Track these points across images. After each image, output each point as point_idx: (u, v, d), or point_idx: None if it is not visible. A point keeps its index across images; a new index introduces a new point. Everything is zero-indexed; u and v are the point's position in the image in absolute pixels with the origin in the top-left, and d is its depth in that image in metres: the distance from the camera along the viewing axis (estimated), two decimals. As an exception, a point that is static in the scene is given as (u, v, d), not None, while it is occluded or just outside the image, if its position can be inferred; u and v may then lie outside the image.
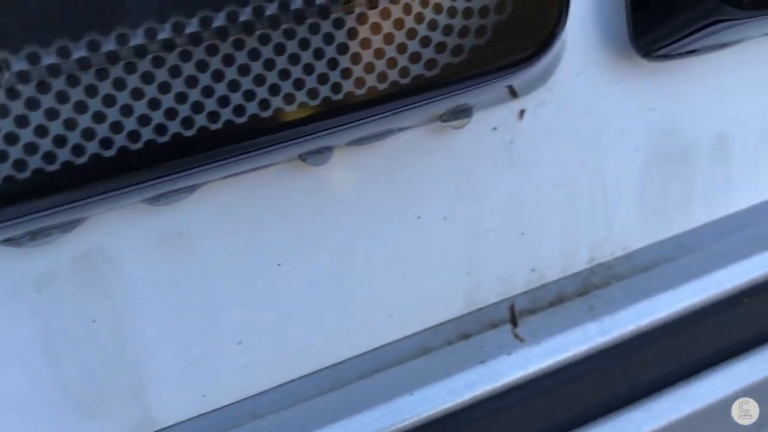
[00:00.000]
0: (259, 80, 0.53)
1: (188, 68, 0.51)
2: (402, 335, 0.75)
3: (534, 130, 0.73)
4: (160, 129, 0.51)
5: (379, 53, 0.56)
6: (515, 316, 0.78)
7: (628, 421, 0.76)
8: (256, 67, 0.52)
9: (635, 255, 0.83)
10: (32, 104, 0.47)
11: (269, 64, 0.52)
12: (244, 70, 0.52)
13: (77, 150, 0.49)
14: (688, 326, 0.82)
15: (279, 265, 0.67)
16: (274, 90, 0.53)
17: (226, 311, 0.67)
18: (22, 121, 0.47)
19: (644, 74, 0.76)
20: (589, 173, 0.77)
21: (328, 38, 0.54)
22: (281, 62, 0.53)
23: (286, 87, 0.54)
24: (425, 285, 0.75)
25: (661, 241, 0.84)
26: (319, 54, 0.54)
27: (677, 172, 0.82)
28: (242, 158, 0.56)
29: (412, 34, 0.56)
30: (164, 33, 0.49)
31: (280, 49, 0.53)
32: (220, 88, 0.52)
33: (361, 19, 0.54)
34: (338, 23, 0.54)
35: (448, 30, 0.57)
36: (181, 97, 0.51)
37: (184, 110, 0.51)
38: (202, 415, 0.68)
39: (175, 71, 0.50)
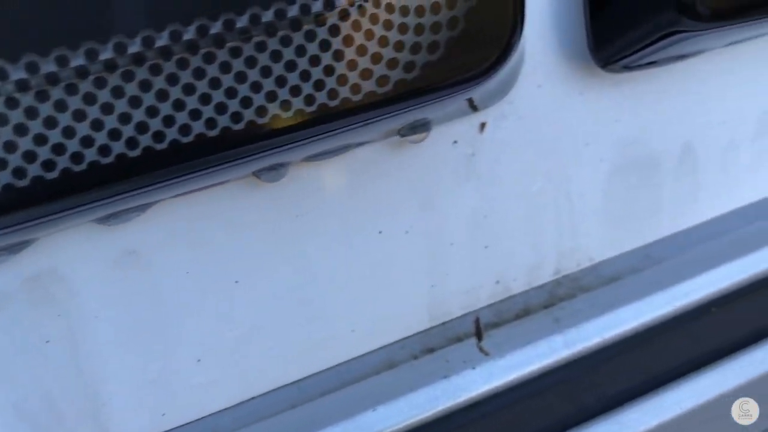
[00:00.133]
0: (205, 99, 0.52)
1: (131, 88, 0.50)
2: (365, 350, 0.74)
3: (495, 143, 0.73)
4: (104, 150, 0.51)
5: (328, 70, 0.55)
6: (480, 330, 0.78)
7: (596, 434, 0.75)
8: (202, 86, 0.52)
9: (601, 266, 0.83)
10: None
11: (215, 83, 0.52)
12: (189, 89, 0.51)
13: (19, 172, 0.49)
14: (656, 337, 0.81)
15: (236, 282, 0.67)
16: (221, 109, 0.53)
17: (184, 329, 0.66)
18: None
19: (607, 85, 0.76)
20: (553, 185, 0.77)
21: (276, 56, 0.53)
22: (227, 81, 0.52)
23: (233, 105, 0.53)
24: (388, 299, 0.74)
25: (628, 252, 0.84)
26: (266, 72, 0.53)
27: (643, 183, 0.82)
28: (191, 177, 0.55)
29: (362, 50, 0.56)
30: (105, 53, 0.48)
31: (226, 67, 0.52)
32: (165, 108, 0.51)
33: (310, 36, 0.54)
34: (285, 41, 0.53)
35: (399, 46, 0.57)
36: (124, 118, 0.50)
37: (128, 131, 0.51)
38: (161, 434, 0.68)
39: (118, 92, 0.50)
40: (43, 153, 0.49)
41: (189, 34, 0.51)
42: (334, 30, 0.54)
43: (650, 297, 0.82)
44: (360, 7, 0.55)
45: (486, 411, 0.73)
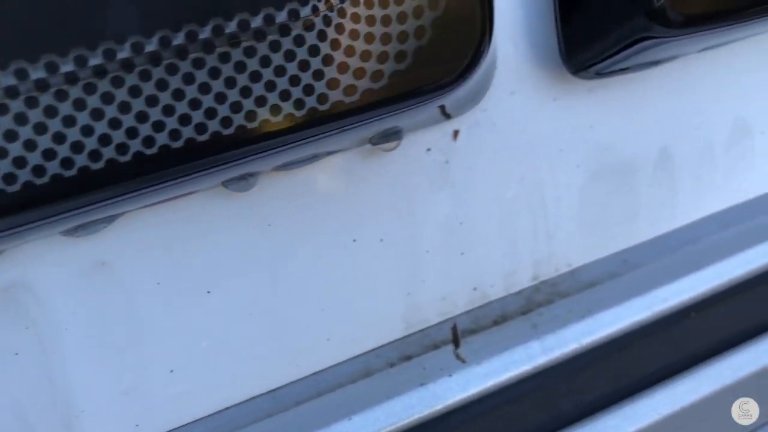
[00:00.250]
0: (168, 110, 0.52)
1: (93, 101, 0.50)
2: (341, 359, 0.74)
3: (469, 150, 0.73)
4: (66, 163, 0.50)
5: (294, 80, 0.55)
6: (457, 336, 0.77)
7: (574, 440, 0.75)
8: (165, 98, 0.52)
9: (579, 271, 0.83)
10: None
11: (178, 95, 0.52)
12: (151, 101, 0.51)
13: (-20, 186, 0.49)
14: (634, 343, 0.81)
15: (209, 292, 0.66)
16: (185, 120, 0.52)
17: (157, 339, 0.66)
18: None
19: (581, 92, 0.76)
20: (528, 191, 0.77)
21: (240, 67, 0.53)
22: (191, 92, 0.52)
23: (197, 117, 0.53)
24: (364, 307, 0.74)
25: (606, 257, 0.84)
26: (230, 83, 0.53)
27: (620, 188, 0.82)
28: (156, 189, 0.55)
29: (328, 60, 0.56)
30: (66, 67, 0.48)
31: (189, 79, 0.52)
32: (128, 120, 0.51)
33: (274, 46, 0.54)
34: (249, 52, 0.53)
35: (366, 56, 0.57)
36: (87, 130, 0.50)
37: (90, 143, 0.51)
38: (134, 445, 0.67)
39: (79, 104, 0.50)
40: (4, 166, 0.49)
41: (152, 45, 0.51)
42: (300, 40, 0.54)
43: (628, 302, 0.81)
44: (326, 17, 0.55)
45: (463, 418, 0.73)
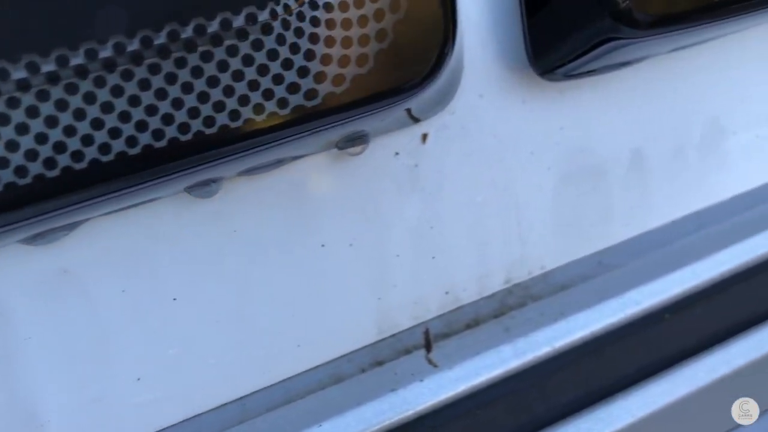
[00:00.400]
0: (125, 117, 0.51)
1: (46, 108, 0.49)
2: (311, 365, 0.73)
3: (438, 153, 0.72)
4: (21, 171, 0.50)
5: (253, 85, 0.54)
6: (429, 341, 0.77)
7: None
8: (120, 104, 0.51)
9: (553, 274, 0.82)
10: None
11: (134, 101, 0.51)
12: (107, 108, 0.51)
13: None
14: (608, 345, 0.81)
15: (174, 299, 0.66)
16: (141, 127, 0.52)
17: (123, 348, 0.65)
18: None
19: (550, 94, 0.75)
20: (499, 194, 0.77)
21: (196, 72, 0.52)
22: (147, 98, 0.52)
23: (154, 123, 0.52)
24: (334, 313, 0.73)
25: (579, 259, 0.83)
26: (187, 88, 0.52)
27: (593, 190, 0.82)
28: (115, 196, 0.54)
29: (288, 64, 0.55)
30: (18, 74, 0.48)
31: (145, 84, 0.51)
32: (83, 127, 0.51)
33: (231, 51, 0.53)
34: (206, 56, 0.52)
35: (326, 60, 0.56)
36: (41, 138, 0.50)
37: (45, 151, 0.50)
38: (101, 455, 0.67)
39: (32, 112, 0.49)
40: (-44, 175, 0.48)
41: (106, 51, 0.50)
42: (257, 45, 0.54)
43: (602, 304, 0.81)
44: (284, 21, 0.54)
45: (434, 423, 0.73)
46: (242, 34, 0.53)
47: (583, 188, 0.81)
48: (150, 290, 0.64)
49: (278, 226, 0.67)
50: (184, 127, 0.53)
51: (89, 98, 0.50)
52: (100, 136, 0.51)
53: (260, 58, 0.54)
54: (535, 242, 0.81)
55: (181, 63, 0.52)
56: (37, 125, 0.49)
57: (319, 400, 0.72)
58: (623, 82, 0.79)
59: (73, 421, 0.66)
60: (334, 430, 0.70)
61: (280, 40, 0.54)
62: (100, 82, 0.50)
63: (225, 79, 0.53)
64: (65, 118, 0.50)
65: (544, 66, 0.69)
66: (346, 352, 0.75)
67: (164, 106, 0.52)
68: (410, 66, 0.60)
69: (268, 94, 0.55)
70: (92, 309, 0.63)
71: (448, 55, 0.61)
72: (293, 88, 0.56)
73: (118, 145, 0.52)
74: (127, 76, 0.51)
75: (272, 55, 0.54)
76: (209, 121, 0.54)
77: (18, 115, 0.48)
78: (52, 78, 0.49)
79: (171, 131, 0.53)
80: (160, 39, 0.51)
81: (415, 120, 0.70)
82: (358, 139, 0.66)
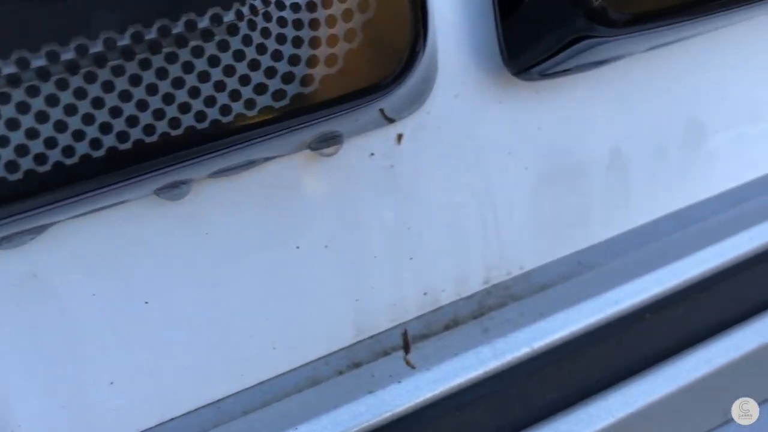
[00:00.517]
0: (88, 119, 0.51)
1: (7, 111, 0.49)
2: (288, 368, 0.73)
3: (414, 154, 0.72)
4: (-19, 174, 0.49)
5: (219, 86, 0.54)
6: (408, 342, 0.76)
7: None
8: (84, 106, 0.50)
9: (532, 274, 0.82)
10: None
11: (97, 103, 0.51)
12: (70, 110, 0.50)
13: None
14: (588, 345, 0.80)
15: (146, 303, 0.65)
16: (105, 129, 0.51)
17: (94, 351, 0.65)
18: None
19: (527, 93, 0.75)
20: (477, 194, 0.76)
21: (161, 73, 0.52)
22: (110, 100, 0.51)
23: (119, 125, 0.52)
24: (310, 315, 0.73)
25: (559, 259, 0.83)
26: (152, 90, 0.52)
27: (572, 190, 0.81)
28: (81, 199, 0.54)
29: (255, 65, 0.55)
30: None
31: (108, 86, 0.51)
32: (46, 129, 0.50)
33: (197, 52, 0.53)
34: (171, 58, 0.52)
35: (294, 60, 0.56)
36: (2, 141, 0.49)
37: (6, 154, 0.49)
38: (74, 460, 0.66)
39: (-8, 114, 0.48)
40: None
41: (68, 53, 0.50)
42: (223, 45, 0.53)
43: (582, 304, 0.81)
44: (251, 21, 0.54)
45: (411, 426, 0.72)
46: (207, 35, 0.53)
47: (562, 188, 0.80)
48: (121, 294, 0.64)
49: (251, 228, 0.67)
50: (149, 129, 0.53)
51: (51, 101, 0.50)
52: (64, 139, 0.51)
53: (226, 59, 0.54)
54: (514, 242, 0.80)
55: (145, 64, 0.52)
56: (-2, 128, 0.49)
57: (296, 403, 0.71)
58: (601, 81, 0.78)
59: (45, 427, 0.65)
60: (309, 434, 0.69)
61: (247, 40, 0.54)
62: (62, 85, 0.50)
63: (190, 80, 0.53)
64: (27, 121, 0.49)
65: (519, 65, 0.69)
66: (323, 355, 0.74)
67: (128, 108, 0.52)
68: (381, 66, 0.60)
69: (234, 95, 0.55)
70: (62, 313, 0.63)
71: (420, 54, 0.61)
72: (260, 89, 0.55)
73: (81, 148, 0.51)
74: (90, 78, 0.50)
75: (238, 56, 0.54)
76: (175, 123, 0.53)
77: (-22, 118, 0.48)
78: (13, 81, 0.48)
79: (136, 133, 0.52)
80: (124, 41, 0.50)
81: (390, 120, 0.70)
82: (332, 140, 0.66)
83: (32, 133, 0.50)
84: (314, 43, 0.56)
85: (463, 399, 0.74)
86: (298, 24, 0.55)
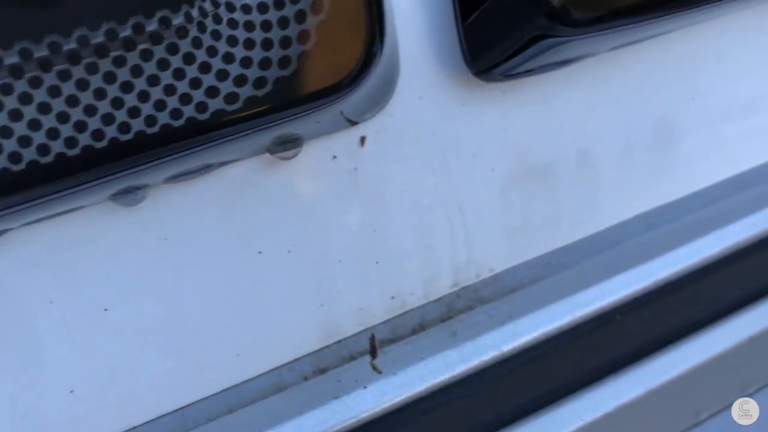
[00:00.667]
0: (35, 125, 0.50)
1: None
2: (252, 374, 0.72)
3: (378, 156, 0.71)
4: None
5: (169, 90, 0.53)
6: (375, 347, 0.76)
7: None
8: (29, 112, 0.50)
9: (501, 277, 0.81)
10: None
11: (44, 108, 0.50)
12: (15, 116, 0.49)
13: None
14: (557, 348, 0.80)
15: (106, 310, 0.65)
16: (53, 134, 0.51)
17: (54, 359, 0.64)
18: None
19: (492, 94, 0.74)
20: (443, 196, 0.76)
21: (109, 77, 0.51)
22: (57, 105, 0.50)
23: (66, 131, 0.51)
24: (275, 321, 0.72)
25: (529, 261, 0.83)
26: (99, 94, 0.51)
27: (540, 191, 0.81)
28: (31, 206, 0.53)
29: (206, 68, 0.54)
30: None
31: (54, 91, 0.50)
32: (-10, 135, 0.49)
33: (146, 55, 0.52)
34: (119, 61, 0.51)
35: (246, 62, 0.55)
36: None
37: (-50, 160, 0.49)
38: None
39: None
40: None
41: (11, 58, 0.49)
42: (172, 48, 0.52)
43: (551, 306, 0.80)
44: (200, 24, 0.53)
45: (377, 431, 0.71)
46: (156, 38, 0.52)
47: (530, 189, 0.80)
48: (79, 301, 0.63)
49: (211, 234, 0.66)
50: (98, 134, 0.52)
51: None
52: (10, 145, 0.50)
53: (176, 62, 0.53)
54: (482, 244, 0.80)
55: (92, 69, 0.51)
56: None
57: (260, 410, 0.71)
58: (568, 81, 0.78)
59: (4, 436, 0.64)
60: (273, 440, 0.69)
61: (197, 43, 0.53)
62: (6, 90, 0.49)
63: (139, 84, 0.52)
64: (-29, 127, 0.49)
65: (481, 66, 0.68)
66: (288, 361, 0.74)
67: (76, 113, 0.51)
68: (337, 68, 0.59)
69: (185, 99, 0.54)
70: (19, 320, 0.62)
71: (376, 56, 0.60)
72: (212, 92, 0.55)
73: (29, 154, 0.51)
74: (35, 83, 0.50)
75: (188, 58, 0.53)
76: (124, 128, 0.53)
77: None
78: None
79: (84, 138, 0.52)
80: (70, 44, 0.50)
81: (352, 123, 0.69)
82: (290, 143, 0.65)
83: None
84: (267, 45, 0.55)
85: (430, 404, 0.74)
86: (249, 26, 0.55)
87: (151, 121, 0.53)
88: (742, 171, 0.92)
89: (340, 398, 0.72)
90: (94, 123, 0.52)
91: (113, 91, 0.52)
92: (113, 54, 0.51)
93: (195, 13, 0.53)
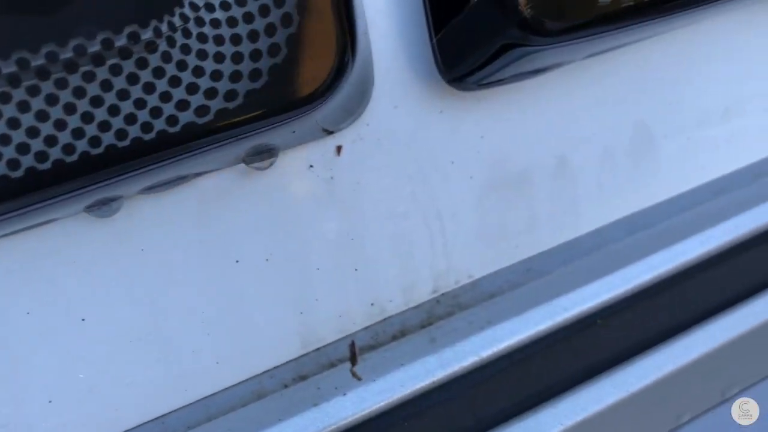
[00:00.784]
0: (5, 140, 0.51)
1: None
2: (232, 382, 0.73)
3: (355, 165, 0.72)
4: None
5: (139, 104, 0.54)
6: (355, 354, 0.76)
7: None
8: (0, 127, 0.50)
9: (481, 283, 0.82)
10: None
11: (13, 123, 0.50)
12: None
13: None
14: (537, 353, 0.80)
15: (83, 320, 0.65)
16: (23, 149, 0.51)
17: (32, 370, 0.65)
18: None
19: (468, 103, 0.75)
20: (421, 204, 0.76)
21: (78, 92, 0.52)
22: (26, 120, 0.51)
23: (37, 145, 0.52)
24: (254, 329, 0.73)
25: (508, 266, 0.83)
26: (69, 109, 0.52)
27: (519, 197, 0.81)
28: (4, 219, 0.54)
29: (176, 82, 0.55)
30: None
31: (24, 107, 0.51)
32: (-40, 151, 0.50)
33: (115, 70, 0.52)
34: (88, 77, 0.52)
35: (216, 76, 0.56)
36: None
37: None
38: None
39: None
40: None
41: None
42: (142, 63, 0.53)
43: (531, 311, 0.81)
44: (169, 38, 0.54)
45: (357, 438, 0.72)
46: (125, 53, 0.53)
47: (508, 196, 0.80)
48: (56, 311, 0.64)
49: (187, 243, 0.67)
50: (68, 148, 0.53)
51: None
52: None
53: (145, 76, 0.54)
54: (461, 251, 0.80)
55: (61, 84, 0.52)
56: None
57: (240, 417, 0.71)
58: (545, 89, 0.79)
59: (-16, 447, 0.65)
60: (252, 448, 0.69)
61: (166, 57, 0.54)
62: (-25, 106, 0.49)
63: (109, 98, 0.53)
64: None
65: (454, 75, 0.69)
66: (268, 368, 0.74)
67: (46, 128, 0.52)
68: (309, 79, 0.60)
69: (155, 113, 0.54)
70: (-3, 332, 0.62)
71: (347, 66, 0.61)
72: (182, 105, 0.55)
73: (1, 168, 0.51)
74: (4, 98, 0.50)
75: (158, 73, 0.54)
76: (95, 142, 0.53)
77: None
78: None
79: (55, 152, 0.52)
80: (39, 60, 0.50)
81: (328, 132, 0.70)
82: (265, 153, 0.66)
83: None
84: (237, 58, 0.56)
85: (410, 410, 0.74)
86: (219, 40, 0.55)
87: (121, 134, 0.54)
88: (722, 175, 0.93)
89: (319, 405, 0.72)
90: (64, 137, 0.52)
91: (83, 105, 0.52)
92: (82, 69, 0.52)
93: (164, 28, 0.53)
